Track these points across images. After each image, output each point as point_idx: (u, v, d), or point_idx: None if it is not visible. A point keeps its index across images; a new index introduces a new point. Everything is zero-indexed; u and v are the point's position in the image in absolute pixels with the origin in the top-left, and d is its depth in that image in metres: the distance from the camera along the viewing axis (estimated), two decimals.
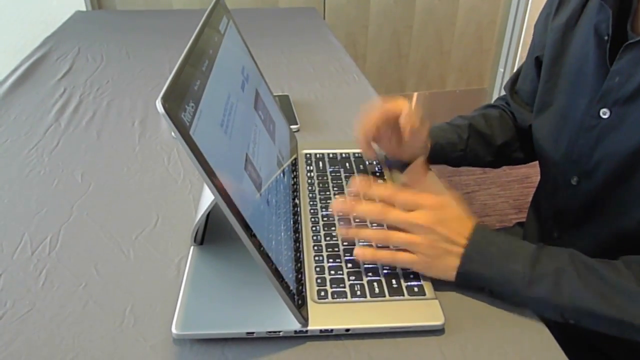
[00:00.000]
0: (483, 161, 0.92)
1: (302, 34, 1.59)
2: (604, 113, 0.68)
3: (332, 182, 0.79)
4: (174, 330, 0.54)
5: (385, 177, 0.81)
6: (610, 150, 0.68)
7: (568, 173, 0.75)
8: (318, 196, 0.76)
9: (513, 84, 0.93)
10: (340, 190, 0.77)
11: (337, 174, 0.81)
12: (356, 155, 0.86)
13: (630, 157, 0.65)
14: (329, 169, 0.83)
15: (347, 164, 0.84)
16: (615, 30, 0.67)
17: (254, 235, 0.50)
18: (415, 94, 2.55)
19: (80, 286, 0.62)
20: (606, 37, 0.68)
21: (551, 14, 0.81)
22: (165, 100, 0.41)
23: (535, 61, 0.85)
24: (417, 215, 0.59)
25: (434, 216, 0.59)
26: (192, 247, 0.67)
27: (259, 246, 0.50)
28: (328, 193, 0.77)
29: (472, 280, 0.60)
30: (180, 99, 0.44)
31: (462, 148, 0.88)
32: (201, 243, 0.67)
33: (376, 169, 0.83)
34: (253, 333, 0.55)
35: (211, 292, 0.60)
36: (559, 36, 0.78)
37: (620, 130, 0.67)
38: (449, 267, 0.60)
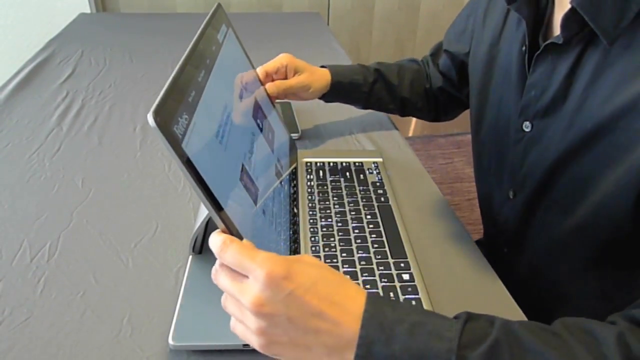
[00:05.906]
0: (387, 108, 0.99)
1: (305, 39, 1.59)
2: (527, 126, 0.68)
3: (332, 192, 0.79)
4: (170, 341, 0.54)
5: (386, 187, 0.81)
6: (535, 162, 0.68)
7: (504, 187, 0.76)
8: (318, 206, 0.76)
9: (436, 51, 0.98)
10: (340, 200, 0.77)
11: (337, 184, 0.81)
12: (356, 164, 0.86)
13: (551, 169, 0.65)
14: (329, 178, 0.83)
15: (348, 174, 0.84)
16: (533, 43, 0.67)
17: None
18: None
19: (79, 294, 0.62)
20: (524, 48, 0.68)
21: (478, 19, 0.82)
22: (157, 114, 0.41)
23: (446, 53, 0.93)
24: (244, 289, 0.43)
25: (265, 295, 0.42)
26: (190, 256, 0.67)
27: None
28: (328, 203, 0.77)
29: None
30: (173, 111, 0.44)
31: (366, 90, 0.94)
32: (200, 252, 0.68)
33: (376, 178, 0.83)
34: (249, 345, 0.55)
35: (209, 302, 0.60)
36: (486, 49, 0.78)
37: (541, 143, 0.67)
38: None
